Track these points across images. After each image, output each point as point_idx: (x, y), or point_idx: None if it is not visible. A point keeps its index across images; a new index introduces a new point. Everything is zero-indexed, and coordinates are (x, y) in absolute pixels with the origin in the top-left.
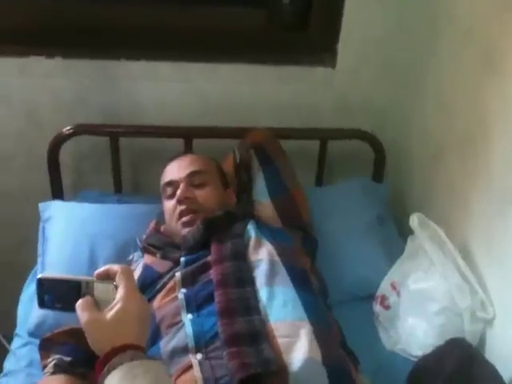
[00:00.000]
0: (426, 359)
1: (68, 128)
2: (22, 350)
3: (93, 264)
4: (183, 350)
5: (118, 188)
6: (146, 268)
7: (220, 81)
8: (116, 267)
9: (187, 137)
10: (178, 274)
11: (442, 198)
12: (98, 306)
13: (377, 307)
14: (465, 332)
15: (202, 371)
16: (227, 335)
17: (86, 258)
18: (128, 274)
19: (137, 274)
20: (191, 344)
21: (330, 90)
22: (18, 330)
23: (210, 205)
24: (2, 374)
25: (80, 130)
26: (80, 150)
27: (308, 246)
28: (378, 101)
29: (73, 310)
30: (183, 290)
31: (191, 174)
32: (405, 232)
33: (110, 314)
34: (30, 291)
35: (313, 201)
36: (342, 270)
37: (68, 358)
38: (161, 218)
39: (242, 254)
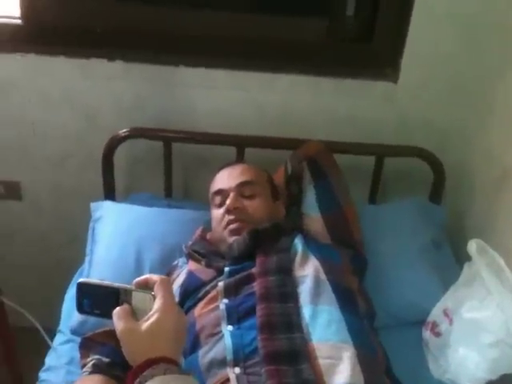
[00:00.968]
0: None
1: (123, 131)
2: (64, 346)
3: (139, 266)
4: (221, 363)
5: (169, 192)
6: (190, 275)
7: (277, 91)
8: (155, 277)
9: (239, 145)
10: (220, 284)
11: (504, 224)
12: (135, 314)
13: (427, 333)
14: None
15: None
16: (267, 352)
17: (132, 261)
18: (167, 284)
19: (181, 279)
20: (230, 357)
21: (390, 105)
22: (61, 327)
23: (258, 216)
24: (43, 369)
25: (135, 133)
26: (135, 153)
27: (357, 265)
28: (440, 120)
29: (110, 316)
30: (225, 301)
31: (241, 185)
32: (462, 258)
33: (145, 324)
34: (75, 289)
35: (365, 218)
36: (391, 293)
37: (107, 359)
38: (208, 226)
39: (288, 268)
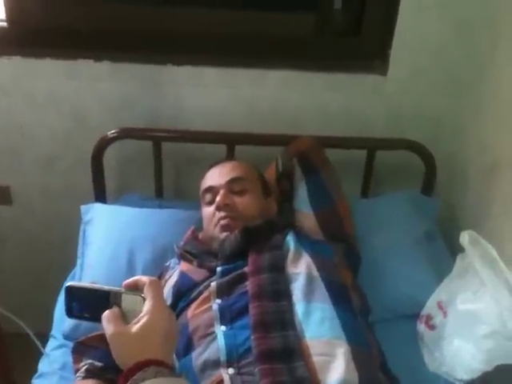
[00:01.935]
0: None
1: (112, 132)
2: (57, 352)
3: (131, 268)
4: (215, 364)
5: (160, 193)
6: (182, 275)
7: (266, 87)
8: (145, 279)
9: (230, 143)
10: (213, 284)
11: (497, 215)
12: (126, 317)
13: (421, 327)
14: None
15: None
16: (260, 350)
17: (124, 262)
18: (156, 286)
19: (173, 280)
20: (223, 358)
21: (380, 98)
22: (53, 332)
23: (249, 213)
24: (35, 375)
25: (124, 133)
26: (124, 153)
27: (351, 260)
28: (431, 111)
29: (100, 320)
30: (218, 301)
31: (231, 181)
32: (454, 249)
33: (135, 327)
34: None
35: (358, 213)
36: (385, 287)
37: (100, 363)
38: (199, 225)
39: (280, 266)
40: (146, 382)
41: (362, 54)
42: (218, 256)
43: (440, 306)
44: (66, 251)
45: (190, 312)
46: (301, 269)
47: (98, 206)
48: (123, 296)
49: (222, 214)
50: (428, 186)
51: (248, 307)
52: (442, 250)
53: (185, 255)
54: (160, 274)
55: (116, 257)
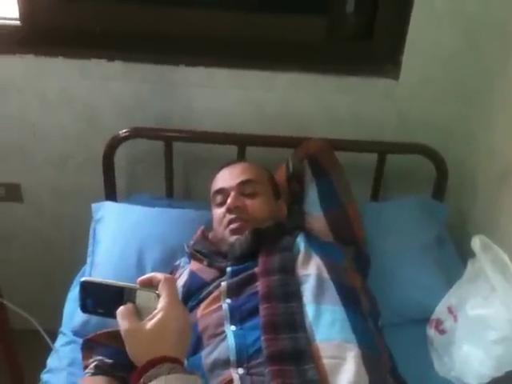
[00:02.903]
0: None
1: (124, 131)
2: (66, 348)
3: (140, 267)
4: (224, 363)
5: (170, 192)
6: (192, 275)
7: (277, 89)
8: (160, 276)
9: (240, 144)
10: (223, 284)
11: (508, 220)
12: (140, 313)
13: (431, 331)
14: None
15: None
16: (271, 351)
17: (133, 261)
18: (171, 283)
19: (183, 280)
20: (233, 357)
21: (390, 103)
22: (62, 328)
23: (260, 215)
24: (44, 371)
25: (135, 133)
26: (136, 153)
27: (360, 263)
28: (442, 117)
29: (114, 316)
30: (228, 301)
31: (242, 183)
32: (464, 255)
33: (149, 324)
34: (77, 290)
35: (367, 216)
36: (394, 291)
37: (109, 360)
38: (209, 225)
39: (290, 267)
40: (160, 378)
41: (373, 58)
42: (227, 256)
43: (450, 311)
44: (76, 249)
45: (199, 311)
46: (311, 270)
47: (109, 204)
48: (138, 292)
49: (233, 216)
50: (439, 191)
51: (258, 308)
52: (452, 255)
53: (195, 255)
54: (170, 273)
55: (126, 255)
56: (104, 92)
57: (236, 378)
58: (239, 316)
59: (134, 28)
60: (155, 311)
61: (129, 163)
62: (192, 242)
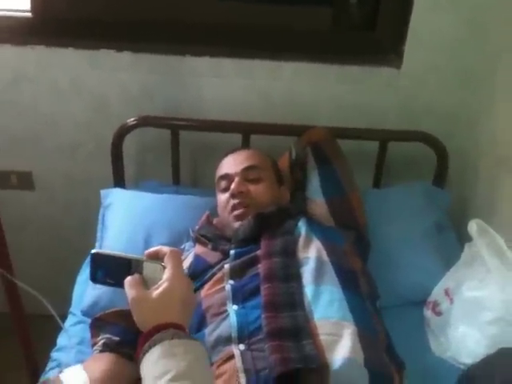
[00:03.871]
0: (475, 368)
1: (132, 119)
2: (75, 327)
3: None
4: (226, 340)
5: (177, 180)
6: (197, 258)
7: (283, 79)
8: (166, 249)
9: (245, 132)
10: (226, 266)
11: (506, 206)
12: (146, 284)
13: (428, 313)
14: None
15: (243, 362)
16: (270, 328)
17: (141, 246)
18: (176, 256)
19: (188, 262)
20: (234, 334)
21: (394, 92)
22: (72, 309)
23: (263, 200)
24: (54, 349)
25: (143, 121)
26: (144, 141)
27: (360, 247)
28: (444, 105)
29: (122, 286)
30: (231, 282)
31: (246, 169)
32: (465, 240)
33: (155, 292)
34: (86, 273)
35: (369, 202)
36: (395, 274)
37: (117, 338)
38: (214, 211)
39: (291, 250)
40: (164, 342)
41: (376, 48)
42: (231, 240)
43: (447, 293)
44: (86, 235)
45: (203, 292)
46: (311, 253)
47: (118, 190)
48: (144, 264)
49: (236, 200)
50: (440, 178)
51: (259, 288)
52: (453, 241)
53: (200, 238)
54: None
55: (133, 241)
56: (113, 82)
57: (237, 353)
58: (241, 296)
59: (142, 19)
60: (161, 281)
61: (138, 151)
62: (197, 227)
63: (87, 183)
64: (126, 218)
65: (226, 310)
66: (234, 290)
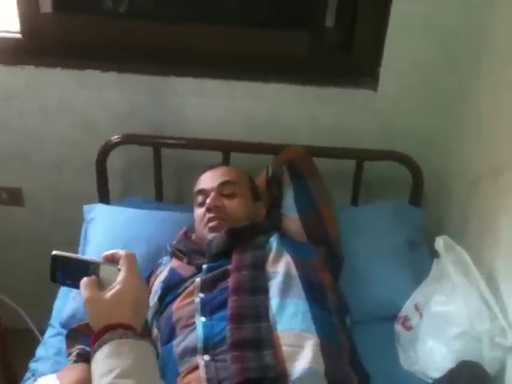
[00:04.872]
0: (440, 381)
1: (115, 137)
2: (53, 339)
3: None
4: (193, 351)
5: (160, 196)
6: (172, 271)
7: (263, 100)
8: (121, 252)
9: (225, 150)
10: (197, 280)
11: (475, 225)
12: (103, 286)
13: (398, 327)
14: (484, 358)
15: (206, 372)
16: (234, 339)
17: None
18: (130, 259)
19: (163, 275)
20: (200, 345)
21: (370, 113)
22: (51, 321)
23: (237, 215)
24: (32, 360)
25: (126, 139)
26: (129, 158)
27: (332, 263)
28: (420, 126)
29: (79, 287)
30: (201, 295)
31: (222, 184)
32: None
33: (108, 294)
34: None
35: (345, 220)
36: (365, 290)
37: (90, 349)
38: (192, 227)
39: (261, 264)
40: (112, 342)
41: (352, 70)
42: (205, 254)
43: (417, 308)
44: (72, 250)
45: (175, 304)
46: (280, 268)
47: (100, 206)
48: (101, 266)
49: (211, 214)
50: (415, 196)
51: (227, 301)
52: (426, 257)
53: (176, 253)
54: (151, 271)
55: None
56: (99, 101)
57: (201, 363)
58: (209, 308)
59: (126, 41)
60: (114, 283)
61: (123, 168)
62: (174, 242)
63: (75, 199)
64: (107, 232)
65: (194, 322)
66: (203, 302)
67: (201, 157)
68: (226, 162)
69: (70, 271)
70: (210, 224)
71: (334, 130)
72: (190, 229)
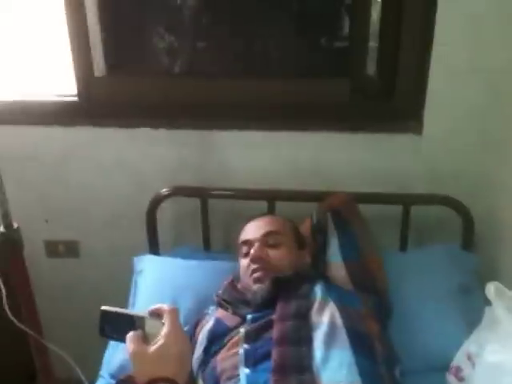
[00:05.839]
0: None
1: (165, 190)
2: None
3: None
4: None
5: (207, 245)
6: (217, 321)
7: (308, 148)
8: (165, 307)
9: (270, 199)
10: (242, 330)
11: None
12: (148, 339)
13: (451, 378)
14: None
15: None
16: None
17: None
18: (174, 314)
19: (209, 325)
20: None
21: (417, 157)
22: (102, 372)
23: (281, 264)
24: None
25: (174, 191)
26: (179, 209)
27: (380, 313)
28: (468, 168)
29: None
30: (245, 346)
31: (266, 234)
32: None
33: (153, 348)
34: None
35: (394, 266)
36: (416, 339)
37: None
38: (238, 274)
39: (305, 314)
40: None
41: (396, 116)
42: (250, 304)
43: (469, 358)
44: (125, 302)
45: (220, 355)
46: (325, 317)
47: (149, 257)
48: (146, 321)
49: (255, 265)
50: (466, 240)
51: (271, 352)
52: (479, 304)
53: (221, 303)
54: (198, 320)
55: None
56: (150, 156)
57: None
58: (253, 359)
59: (175, 98)
60: (158, 337)
61: (173, 219)
62: (220, 291)
63: (128, 251)
64: (155, 283)
65: (238, 374)
66: (247, 353)
67: (247, 206)
68: (271, 210)
69: (117, 325)
70: (255, 275)
71: (381, 175)
72: (236, 277)
